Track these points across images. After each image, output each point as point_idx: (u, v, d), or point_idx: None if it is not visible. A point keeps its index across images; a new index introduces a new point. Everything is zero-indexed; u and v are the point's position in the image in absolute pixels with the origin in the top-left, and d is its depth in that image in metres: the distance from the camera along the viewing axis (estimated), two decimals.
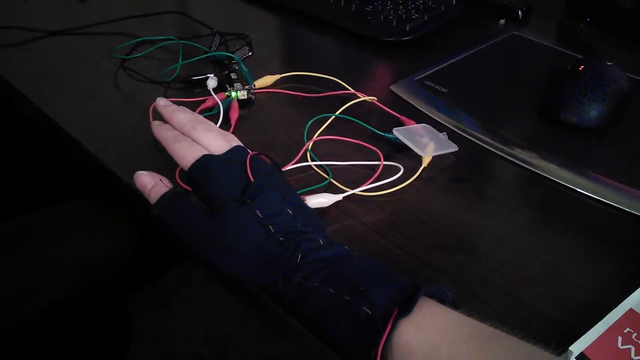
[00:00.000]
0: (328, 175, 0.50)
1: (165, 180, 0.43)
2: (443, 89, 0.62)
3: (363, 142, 0.53)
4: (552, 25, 0.82)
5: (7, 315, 0.51)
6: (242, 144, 0.43)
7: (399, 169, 0.50)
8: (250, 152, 0.41)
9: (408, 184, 0.49)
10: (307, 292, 0.33)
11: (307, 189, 0.48)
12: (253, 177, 0.38)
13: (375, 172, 0.50)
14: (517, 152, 0.54)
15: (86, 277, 0.56)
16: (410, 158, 0.52)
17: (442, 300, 0.33)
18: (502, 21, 0.81)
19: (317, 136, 0.54)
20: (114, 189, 0.51)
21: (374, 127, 0.55)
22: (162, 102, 0.48)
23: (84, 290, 0.56)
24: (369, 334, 0.30)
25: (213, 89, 0.59)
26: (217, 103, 0.57)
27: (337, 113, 0.57)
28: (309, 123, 0.55)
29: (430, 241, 0.44)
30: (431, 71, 0.66)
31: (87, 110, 0.58)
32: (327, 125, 0.56)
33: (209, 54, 0.66)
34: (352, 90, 0.61)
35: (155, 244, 0.63)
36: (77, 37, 0.72)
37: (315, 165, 0.51)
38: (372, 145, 0.53)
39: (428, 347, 0.30)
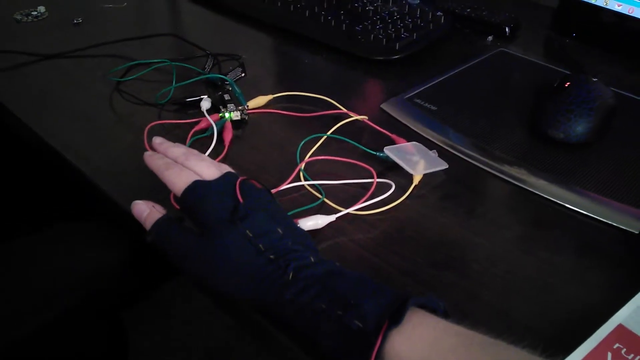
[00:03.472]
0: (321, 194, 0.50)
1: (159, 207, 0.44)
2: (433, 107, 0.63)
3: (355, 160, 0.54)
4: (538, 41, 0.83)
5: (5, 334, 0.51)
6: (233, 171, 0.44)
7: (391, 186, 0.51)
8: (240, 177, 0.42)
9: (399, 202, 0.50)
10: (299, 308, 0.34)
11: (300, 209, 0.48)
12: (242, 199, 0.39)
13: (368, 190, 0.51)
14: (506, 168, 0.55)
15: (79, 296, 0.56)
16: (402, 176, 0.53)
17: (434, 310, 0.34)
18: (490, 38, 0.82)
19: (310, 156, 0.55)
20: (108, 209, 0.52)
21: (365, 146, 0.56)
22: (158, 140, 0.49)
23: (77, 310, 0.57)
24: (362, 346, 0.31)
25: (207, 110, 0.60)
26: (211, 124, 0.58)
27: (329, 133, 0.58)
28: (302, 143, 0.56)
29: (422, 258, 0.45)
30: (421, 89, 0.67)
31: (82, 132, 0.59)
32: (319, 145, 0.57)
33: (202, 76, 0.67)
34: (344, 110, 0.62)
35: (150, 260, 0.64)
36: (71, 60, 0.73)
37: (308, 185, 0.52)
38: (364, 164, 0.54)
39: (418, 358, 0.31)
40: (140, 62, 0.70)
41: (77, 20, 0.82)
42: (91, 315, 0.61)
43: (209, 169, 0.43)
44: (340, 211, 0.48)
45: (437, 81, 0.69)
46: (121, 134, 0.60)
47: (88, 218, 0.61)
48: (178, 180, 0.42)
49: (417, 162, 0.53)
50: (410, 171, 0.52)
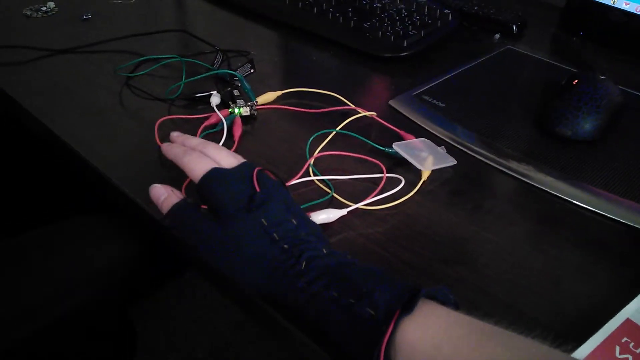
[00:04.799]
0: (330, 189, 0.51)
1: (177, 192, 0.44)
2: (441, 104, 0.64)
3: (364, 156, 0.54)
4: (546, 39, 0.83)
5: (14, 331, 0.52)
6: (250, 162, 0.44)
7: (400, 181, 0.51)
8: (257, 167, 0.43)
9: (408, 197, 0.51)
10: (310, 296, 0.34)
11: (310, 204, 0.49)
12: (259, 188, 0.40)
13: (376, 185, 0.51)
14: (514, 165, 0.55)
15: (92, 290, 0.57)
16: (410, 172, 0.53)
17: (444, 302, 0.34)
18: (497, 36, 0.83)
19: (319, 151, 0.56)
20: (120, 203, 0.52)
21: (373, 142, 0.56)
22: (175, 134, 0.51)
23: (90, 304, 0.57)
24: (373, 334, 0.31)
25: (216, 106, 0.61)
26: (221, 120, 0.58)
27: (338, 128, 0.58)
28: (311, 139, 0.57)
29: (431, 253, 0.45)
30: (429, 86, 0.67)
31: (92, 127, 0.60)
32: (328, 141, 0.57)
33: (211, 72, 0.67)
34: (352, 106, 0.62)
35: (159, 256, 0.64)
36: (82, 55, 0.73)
37: (317, 180, 0.52)
38: (373, 159, 0.54)
39: (430, 346, 0.31)
40: (149, 57, 0.70)
41: (86, 15, 0.82)
42: (103, 309, 0.61)
43: (227, 157, 0.43)
44: (350, 206, 0.49)
45: (444, 78, 0.70)
46: (132, 128, 0.60)
47: (99, 212, 0.62)
48: (196, 167, 0.42)
49: (426, 158, 0.53)
50: (419, 167, 0.52)
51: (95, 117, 0.61)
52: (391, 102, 0.65)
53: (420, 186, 0.52)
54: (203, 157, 0.43)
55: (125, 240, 0.60)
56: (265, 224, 0.38)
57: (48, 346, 0.55)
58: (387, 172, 0.53)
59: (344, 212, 0.48)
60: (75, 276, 0.56)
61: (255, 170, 0.41)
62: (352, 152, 0.55)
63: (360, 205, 0.49)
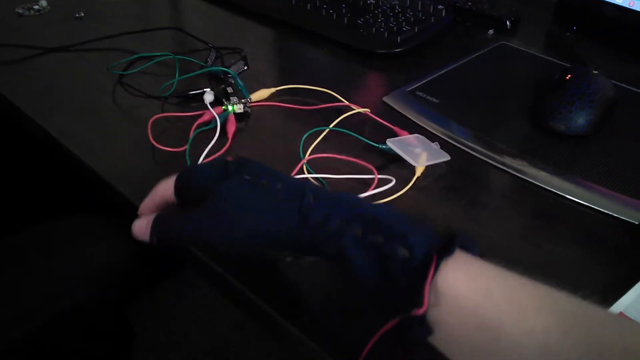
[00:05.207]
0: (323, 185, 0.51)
1: (150, 210, 0.43)
2: (434, 99, 0.64)
3: (356, 158, 0.54)
4: (539, 35, 0.83)
5: (14, 331, 0.52)
6: None
7: (391, 181, 0.51)
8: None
9: (402, 193, 0.51)
10: (329, 234, 0.32)
11: None
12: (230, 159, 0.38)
13: (370, 184, 0.51)
14: (508, 160, 0.55)
15: (91, 290, 0.57)
16: (404, 168, 0.53)
17: (471, 251, 0.33)
18: (491, 31, 0.83)
19: (313, 149, 0.55)
20: (116, 202, 0.52)
21: (367, 139, 0.56)
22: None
23: (89, 303, 0.57)
24: (411, 277, 0.30)
25: (210, 103, 0.61)
26: (215, 117, 0.58)
27: (332, 126, 0.58)
28: (305, 136, 0.57)
29: None
30: (422, 82, 0.67)
31: (86, 126, 0.59)
32: (322, 137, 0.57)
33: (205, 69, 0.67)
34: (346, 102, 0.62)
35: (158, 256, 0.64)
36: (75, 53, 0.73)
37: (312, 178, 0.52)
38: (366, 157, 0.54)
39: (480, 293, 0.29)
40: (142, 55, 0.70)
41: (79, 14, 0.82)
42: (102, 309, 0.61)
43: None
44: None
45: (438, 74, 0.70)
46: (125, 126, 0.60)
47: (99, 211, 0.61)
48: (162, 184, 0.41)
49: (420, 154, 0.53)
50: (413, 163, 0.52)
51: (89, 116, 0.61)
52: (385, 99, 0.65)
53: (414, 182, 0.52)
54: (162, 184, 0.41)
55: (124, 240, 0.60)
56: (249, 177, 0.35)
57: (47, 345, 0.55)
58: (381, 169, 0.53)
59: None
60: (75, 275, 0.56)
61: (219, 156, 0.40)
62: (346, 150, 0.55)
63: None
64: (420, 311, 0.29)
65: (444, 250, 0.30)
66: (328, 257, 0.33)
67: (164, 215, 0.40)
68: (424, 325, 0.30)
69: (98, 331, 0.64)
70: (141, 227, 0.40)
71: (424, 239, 0.31)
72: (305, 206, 0.33)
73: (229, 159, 0.39)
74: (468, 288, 0.30)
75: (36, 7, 0.84)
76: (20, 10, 0.83)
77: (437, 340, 0.31)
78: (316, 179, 0.52)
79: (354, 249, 0.31)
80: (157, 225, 0.40)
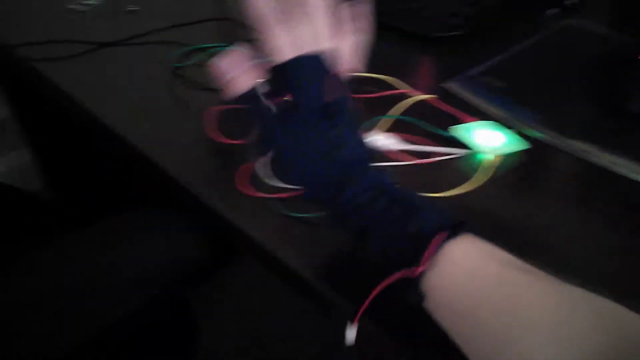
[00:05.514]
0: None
1: (247, 72, 0.39)
2: (500, 84, 0.61)
3: (428, 141, 0.52)
4: (604, 13, 0.79)
5: (100, 319, 0.52)
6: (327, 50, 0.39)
7: (464, 166, 0.49)
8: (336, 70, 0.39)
9: (474, 183, 0.48)
10: (356, 208, 0.35)
11: None
12: (333, 96, 0.37)
13: (440, 171, 0.49)
14: (584, 146, 0.52)
15: (166, 280, 0.57)
16: (478, 158, 0.51)
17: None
18: (552, 10, 0.79)
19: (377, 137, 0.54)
20: (175, 194, 0.52)
21: (435, 127, 0.54)
22: None
23: (162, 295, 0.57)
24: (415, 248, 0.32)
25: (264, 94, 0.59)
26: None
27: (395, 114, 0.56)
28: (368, 125, 0.55)
29: (502, 242, 0.43)
30: (485, 66, 0.65)
31: (143, 118, 0.59)
32: (384, 126, 0.55)
33: (260, 61, 0.66)
34: (407, 89, 0.60)
35: (220, 246, 0.64)
36: (127, 47, 0.73)
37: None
38: (436, 145, 0.52)
39: (472, 266, 0.32)
40: (197, 46, 0.69)
41: (131, 7, 0.82)
42: (170, 302, 0.61)
43: (320, 40, 0.37)
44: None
45: (500, 58, 0.66)
46: (182, 119, 0.59)
47: (161, 205, 0.61)
48: (285, 45, 0.36)
49: (492, 143, 0.51)
50: (486, 152, 0.50)
51: (146, 109, 0.61)
52: (446, 84, 0.62)
53: (488, 172, 0.49)
54: (295, 32, 0.37)
55: (190, 233, 0.60)
56: (330, 136, 0.37)
57: (134, 332, 0.55)
58: (448, 157, 0.51)
59: (404, 146, 0.49)
60: (158, 264, 0.56)
61: (337, 74, 0.38)
62: (412, 137, 0.53)
63: (425, 194, 0.47)
64: (418, 270, 0.32)
65: (452, 229, 0.32)
66: (349, 230, 0.36)
67: (253, 95, 0.38)
68: (418, 290, 0.32)
69: (167, 322, 0.65)
70: (224, 73, 0.38)
71: (437, 216, 0.34)
72: (342, 185, 0.36)
73: (335, 73, 0.38)
74: (462, 261, 0.32)
75: (88, 1, 0.84)
76: (72, 6, 0.83)
77: (430, 305, 0.33)
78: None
79: (377, 225, 0.34)
80: (244, 100, 0.38)
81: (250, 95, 0.37)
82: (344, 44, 0.40)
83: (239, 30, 0.74)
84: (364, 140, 0.40)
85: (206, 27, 0.76)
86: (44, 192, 1.09)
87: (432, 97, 0.58)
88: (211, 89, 0.63)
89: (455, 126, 0.52)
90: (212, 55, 0.68)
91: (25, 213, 0.78)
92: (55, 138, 0.99)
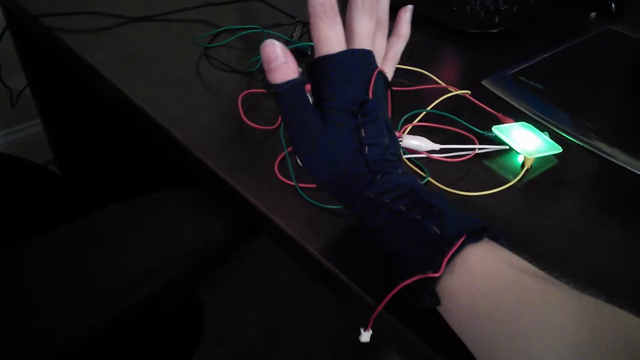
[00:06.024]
0: (425, 174, 0.47)
1: (292, 61, 0.36)
2: (539, 85, 0.59)
3: (466, 143, 0.50)
4: None
5: (119, 303, 0.51)
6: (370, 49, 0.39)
7: (499, 168, 0.47)
8: (378, 68, 0.39)
9: (510, 185, 0.47)
10: (377, 206, 0.35)
11: None
12: (372, 94, 0.37)
13: (471, 170, 0.48)
14: (624, 155, 0.50)
15: (190, 263, 0.55)
16: (511, 159, 0.49)
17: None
18: (594, 14, 0.76)
19: (409, 131, 0.52)
20: (201, 176, 0.51)
21: (470, 124, 0.52)
22: None
23: (188, 276, 0.56)
24: (435, 252, 0.32)
25: None
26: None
27: (429, 108, 0.54)
28: (403, 119, 0.53)
29: (538, 247, 0.42)
30: (524, 66, 0.63)
31: (173, 98, 0.58)
32: (418, 120, 0.54)
33: (291, 46, 0.64)
34: (444, 84, 0.58)
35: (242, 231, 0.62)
36: (158, 23, 0.71)
37: (407, 159, 0.49)
38: (467, 143, 0.50)
39: (491, 271, 0.31)
40: (228, 27, 0.68)
41: None
42: (188, 286, 0.60)
43: (364, 37, 0.38)
44: (447, 191, 0.45)
45: (540, 58, 0.64)
46: (212, 101, 0.58)
47: (188, 186, 0.60)
48: (332, 42, 0.36)
49: (529, 145, 0.49)
50: (522, 153, 0.48)
51: (175, 88, 0.59)
52: (484, 82, 0.60)
53: (523, 175, 0.48)
54: (339, 27, 0.37)
55: (216, 217, 0.58)
56: (363, 135, 0.37)
57: (140, 320, 0.54)
58: (484, 157, 0.49)
59: (436, 146, 0.48)
60: (173, 250, 0.55)
61: (376, 72, 0.38)
62: (442, 135, 0.51)
63: (457, 192, 0.46)
64: (436, 275, 0.31)
65: (474, 235, 0.32)
66: (367, 228, 0.36)
67: (297, 90, 0.36)
68: (433, 293, 0.33)
69: (179, 309, 0.64)
70: (272, 60, 0.35)
71: (458, 220, 0.33)
72: (367, 183, 0.36)
73: (378, 70, 0.38)
74: (484, 265, 0.32)
75: None
76: None
77: (444, 307, 0.33)
78: (414, 162, 0.49)
79: (397, 226, 0.34)
80: (284, 92, 0.36)
81: (292, 84, 0.36)
82: (388, 47, 0.43)
83: (270, 13, 0.72)
84: (396, 140, 0.40)
85: (237, 8, 0.74)
86: (54, 166, 1.07)
87: (468, 93, 0.57)
88: (241, 72, 0.62)
89: (495, 126, 0.51)
90: (242, 37, 0.67)
91: (38, 188, 0.76)
92: (71, 112, 0.98)
